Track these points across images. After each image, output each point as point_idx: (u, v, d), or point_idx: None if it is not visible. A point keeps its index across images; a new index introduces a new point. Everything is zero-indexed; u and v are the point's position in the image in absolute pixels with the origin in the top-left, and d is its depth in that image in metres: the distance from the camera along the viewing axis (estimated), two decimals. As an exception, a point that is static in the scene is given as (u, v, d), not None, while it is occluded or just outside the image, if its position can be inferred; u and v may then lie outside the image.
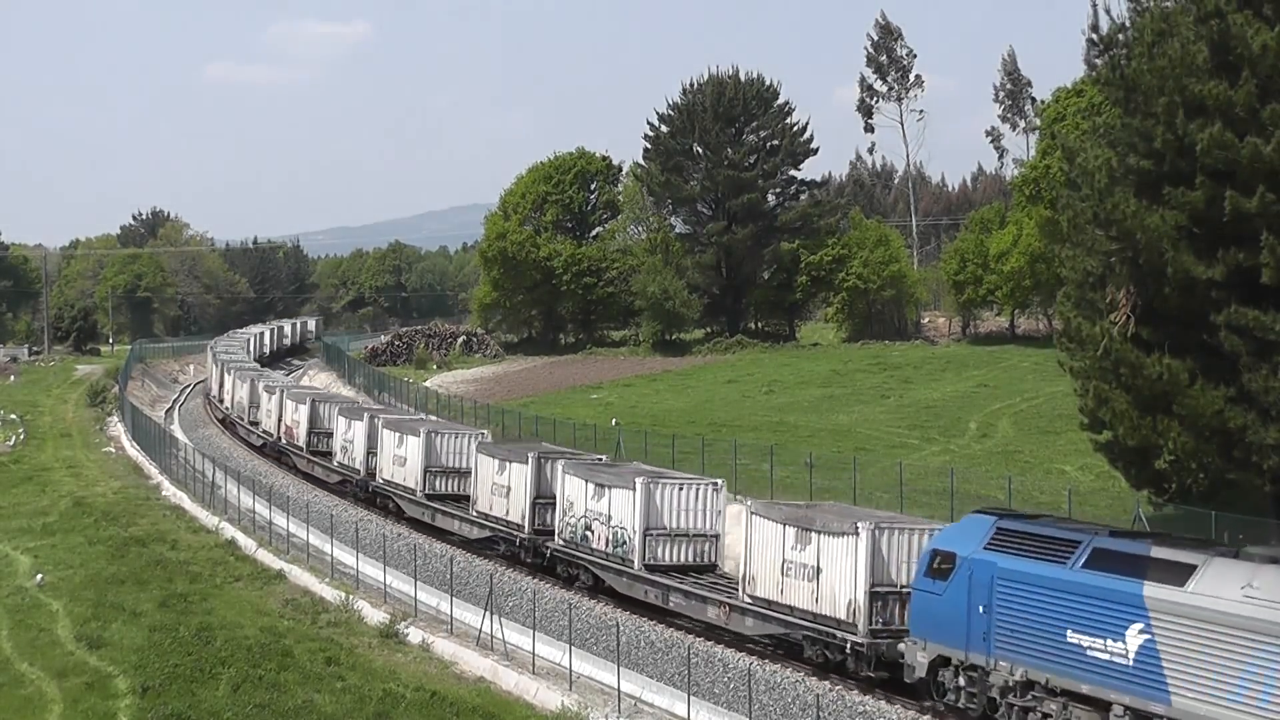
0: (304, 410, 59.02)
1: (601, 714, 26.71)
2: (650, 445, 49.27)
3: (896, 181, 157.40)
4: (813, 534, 29.05)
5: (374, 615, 34.19)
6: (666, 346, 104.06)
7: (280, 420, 62.54)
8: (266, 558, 41.10)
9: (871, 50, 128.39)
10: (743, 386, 79.18)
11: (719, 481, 35.84)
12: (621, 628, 32.10)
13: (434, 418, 56.50)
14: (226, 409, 76.44)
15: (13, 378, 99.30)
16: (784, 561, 29.74)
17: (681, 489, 35.07)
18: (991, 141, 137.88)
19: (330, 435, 56.20)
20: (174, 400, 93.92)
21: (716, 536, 35.29)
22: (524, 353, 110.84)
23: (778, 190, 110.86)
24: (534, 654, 30.01)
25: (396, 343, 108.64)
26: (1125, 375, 34.24)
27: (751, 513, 31.16)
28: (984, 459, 48.89)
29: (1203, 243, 32.57)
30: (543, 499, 39.21)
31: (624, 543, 35.14)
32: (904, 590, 27.66)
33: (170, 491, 53.10)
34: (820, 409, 66.59)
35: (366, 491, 50.85)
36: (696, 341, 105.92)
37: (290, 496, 48.94)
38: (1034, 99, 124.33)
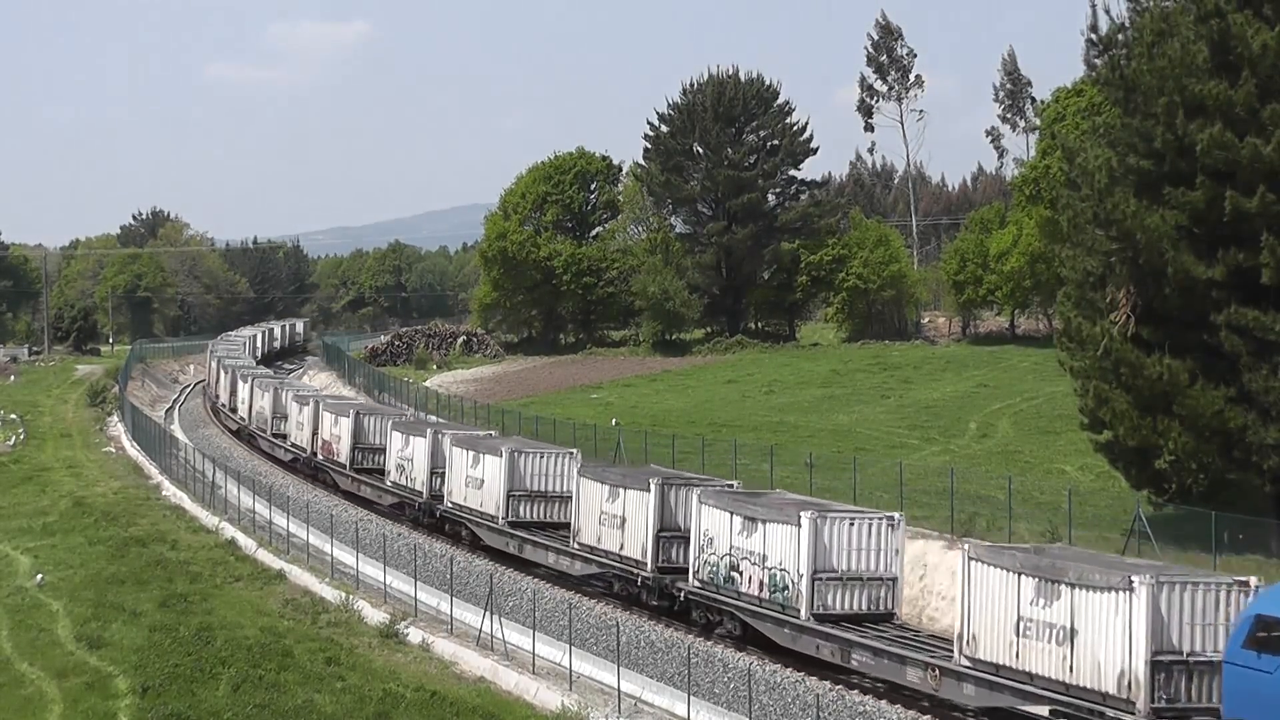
0: (346, 423, 53.84)
1: (601, 714, 26.71)
2: (650, 445, 49.28)
3: (896, 181, 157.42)
4: (1063, 587, 24.26)
5: (374, 615, 34.19)
6: (666, 346, 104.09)
7: (316, 434, 57.22)
8: (266, 558, 41.10)
9: (871, 50, 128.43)
10: (743, 386, 79.20)
11: (896, 516, 30.94)
12: (621, 628, 32.10)
13: (479, 432, 50.12)
14: (241, 419, 71.62)
15: (13, 378, 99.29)
16: (1020, 619, 24.90)
17: (853, 524, 30.25)
18: (991, 141, 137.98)
19: (380, 451, 51.67)
20: (174, 400, 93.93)
21: (894, 580, 30.40)
22: (524, 353, 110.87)
23: (778, 190, 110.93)
24: (534, 654, 30.01)
25: (396, 343, 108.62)
26: (1125, 375, 34.30)
27: (971, 558, 26.19)
28: (984, 459, 48.88)
29: (1203, 243, 32.66)
30: (668, 532, 34.42)
31: (785, 587, 30.28)
32: (1192, 661, 23.20)
33: (170, 491, 53.09)
34: (820, 409, 66.60)
35: (431, 516, 45.96)
36: (696, 341, 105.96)
37: (290, 496, 48.93)
38: (1034, 99, 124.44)
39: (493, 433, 48.99)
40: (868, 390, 73.51)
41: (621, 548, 35.59)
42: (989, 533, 35.12)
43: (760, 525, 31.13)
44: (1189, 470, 34.20)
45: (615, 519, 35.90)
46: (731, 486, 34.82)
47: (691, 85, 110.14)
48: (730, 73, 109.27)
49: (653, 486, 34.54)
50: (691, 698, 26.90)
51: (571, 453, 42.02)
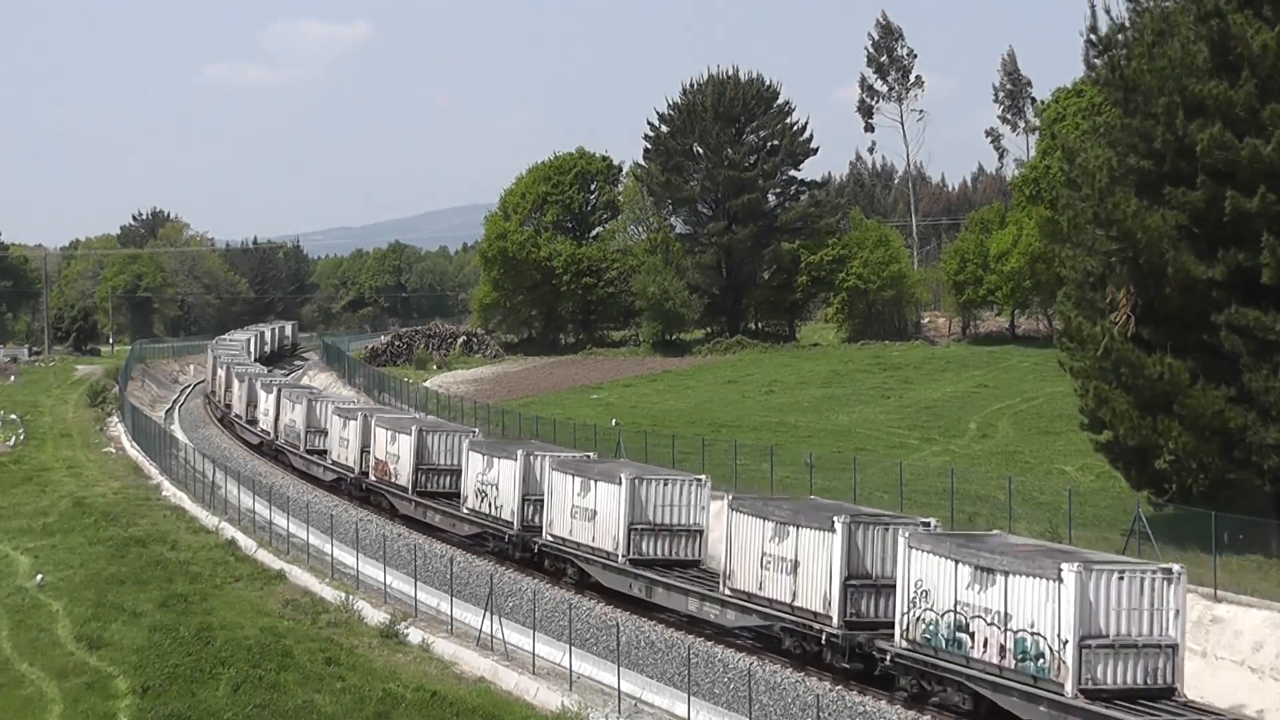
0: (407, 441, 48.34)
1: (601, 714, 26.72)
2: (650, 445, 49.29)
3: (896, 181, 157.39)
4: None
5: (374, 615, 34.20)
6: (666, 346, 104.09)
7: (366, 452, 52.17)
8: (266, 558, 41.11)
9: (872, 50, 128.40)
10: (743, 387, 79.22)
11: (1175, 568, 25.59)
12: (621, 628, 32.10)
13: (590, 458, 42.99)
14: (264, 432, 66.47)
15: (13, 378, 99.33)
16: None
17: (1124, 578, 25.11)
18: (991, 142, 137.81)
19: (449, 473, 47.14)
20: (174, 400, 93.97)
21: (1173, 647, 25.25)
22: (524, 353, 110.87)
23: (778, 190, 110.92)
24: (534, 654, 30.03)
25: (396, 343, 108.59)
26: (1125, 375, 34.31)
27: None
28: (984, 459, 48.91)
29: (1203, 243, 32.69)
30: (857, 580, 29.31)
31: (1039, 655, 25.18)
32: None
33: (170, 491, 53.11)
34: (820, 409, 66.62)
35: (526, 550, 40.59)
36: (696, 341, 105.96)
37: (290, 496, 48.92)
38: (1034, 99, 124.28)
39: (591, 455, 42.91)
40: (868, 390, 73.53)
41: (794, 597, 30.37)
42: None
43: (1000, 578, 25.86)
44: (1189, 470, 34.21)
45: (784, 563, 30.70)
46: (929, 525, 29.58)
47: (691, 85, 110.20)
48: (730, 73, 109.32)
49: (838, 526, 29.35)
50: (691, 698, 26.92)
51: (700, 479, 37.07)
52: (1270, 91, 31.36)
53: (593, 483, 37.64)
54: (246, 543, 42.97)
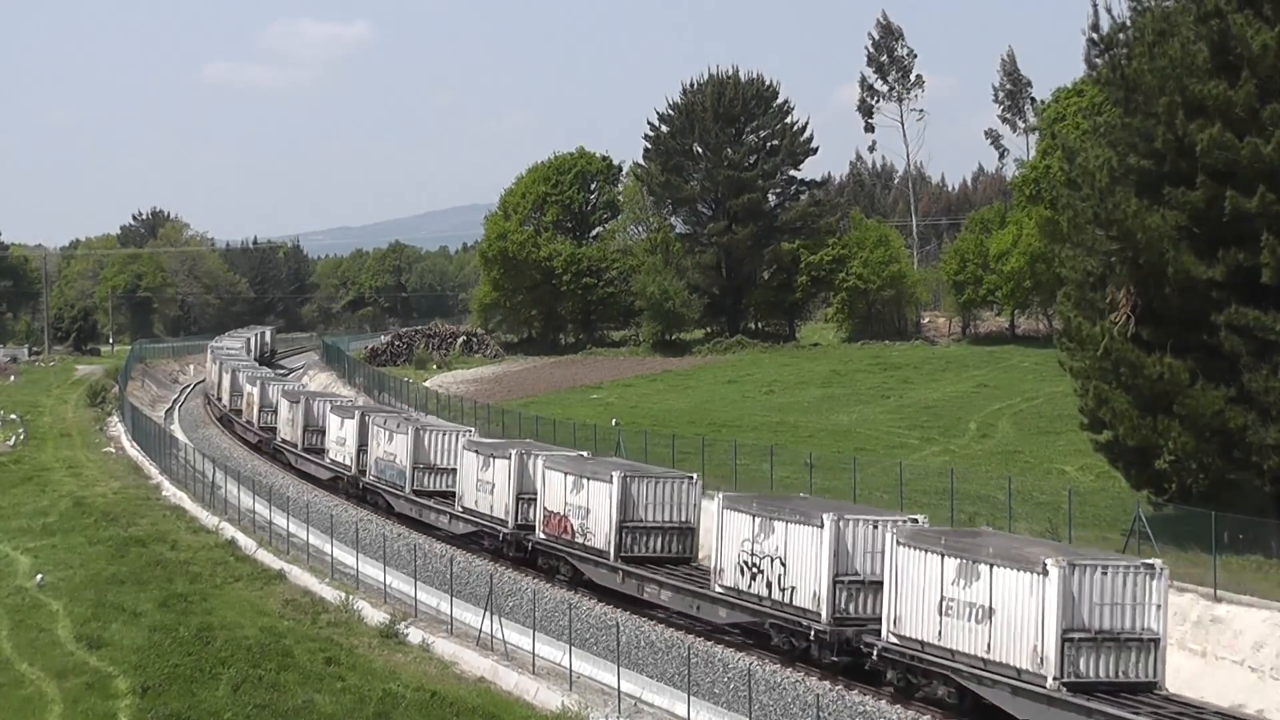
0: (603, 491, 37.54)
1: (601, 714, 26.72)
2: (650, 445, 49.28)
3: (896, 181, 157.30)
4: None
5: (374, 615, 34.20)
6: (666, 346, 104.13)
7: (526, 501, 41.40)
8: (266, 558, 41.11)
9: (872, 50, 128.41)
10: (743, 386, 79.24)
11: None
12: (621, 628, 32.09)
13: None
14: (336, 464, 56.14)
15: (13, 378, 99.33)
16: None
17: None
18: (991, 142, 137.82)
19: (664, 532, 37.21)
20: (174, 400, 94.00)
21: None
22: (524, 353, 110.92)
23: (778, 190, 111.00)
24: (534, 654, 30.02)
25: (396, 343, 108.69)
26: (1125, 375, 34.32)
27: None
28: (984, 459, 48.89)
29: (1203, 243, 32.70)
30: None
31: None
32: None
33: (170, 491, 53.10)
34: (820, 409, 66.62)
35: (849, 652, 29.65)
36: (696, 341, 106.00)
37: (290, 497, 48.90)
38: (1034, 99, 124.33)
39: (919, 518, 30.76)
40: (868, 390, 73.55)
41: None
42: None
43: None
44: (1189, 470, 34.20)
45: None
46: None
47: (691, 85, 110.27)
48: (730, 73, 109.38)
49: None
50: (691, 698, 26.91)
51: (1152, 565, 26.05)
52: (1270, 91, 31.37)
53: (983, 568, 26.41)
54: (246, 542, 42.98)
